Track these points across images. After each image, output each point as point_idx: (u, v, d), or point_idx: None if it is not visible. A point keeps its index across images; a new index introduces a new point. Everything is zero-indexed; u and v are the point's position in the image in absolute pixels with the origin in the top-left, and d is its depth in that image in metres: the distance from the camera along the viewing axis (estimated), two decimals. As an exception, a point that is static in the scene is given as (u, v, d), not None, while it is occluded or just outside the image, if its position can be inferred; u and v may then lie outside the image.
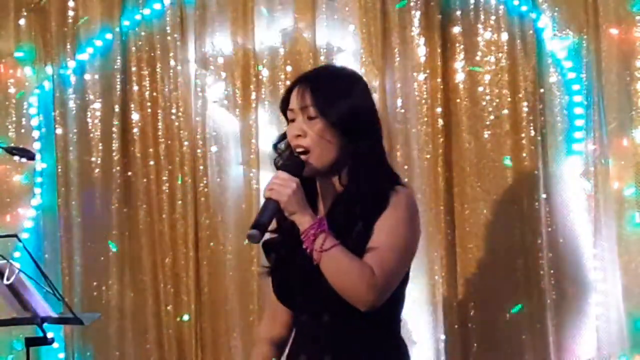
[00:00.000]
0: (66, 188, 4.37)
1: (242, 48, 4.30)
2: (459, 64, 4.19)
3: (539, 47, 4.13)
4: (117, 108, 4.37)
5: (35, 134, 4.42)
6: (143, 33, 4.38)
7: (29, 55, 4.45)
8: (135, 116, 4.39)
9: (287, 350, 2.67)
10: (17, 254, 4.10)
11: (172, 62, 4.36)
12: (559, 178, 4.12)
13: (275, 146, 2.59)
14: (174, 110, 4.36)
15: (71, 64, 4.40)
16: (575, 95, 4.11)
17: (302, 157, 2.47)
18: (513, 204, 4.12)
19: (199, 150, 4.32)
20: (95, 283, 4.38)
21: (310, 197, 2.50)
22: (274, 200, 2.40)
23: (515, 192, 4.12)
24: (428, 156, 4.16)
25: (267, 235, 2.51)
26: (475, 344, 4.12)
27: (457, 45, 4.19)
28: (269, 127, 4.24)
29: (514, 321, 4.09)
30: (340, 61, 4.21)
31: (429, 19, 4.18)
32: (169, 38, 4.36)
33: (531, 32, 4.12)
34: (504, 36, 4.14)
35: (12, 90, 4.45)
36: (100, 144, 4.39)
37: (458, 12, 4.19)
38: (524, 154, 4.12)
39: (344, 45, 4.25)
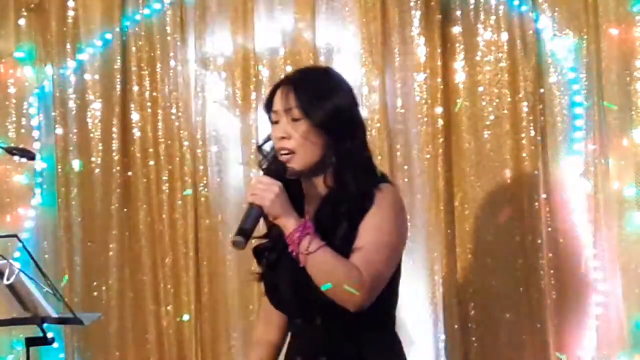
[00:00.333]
0: (66, 188, 4.37)
1: (242, 48, 4.30)
2: (459, 64, 4.19)
3: (539, 47, 4.13)
4: (117, 108, 4.37)
5: (35, 134, 4.42)
6: (143, 33, 4.38)
7: (29, 55, 4.45)
8: (135, 116, 4.39)
9: (284, 351, 2.67)
10: (17, 254, 4.10)
11: (172, 62, 4.35)
12: (559, 178, 4.12)
13: (259, 148, 2.59)
14: (174, 110, 4.36)
15: (71, 64, 4.40)
16: (575, 95, 4.11)
17: (287, 158, 2.46)
18: (513, 204, 4.12)
19: (199, 150, 4.32)
20: (95, 283, 4.38)
21: (296, 199, 2.50)
22: (257, 205, 2.40)
23: (515, 192, 4.13)
24: (428, 156, 4.16)
25: (258, 241, 2.54)
26: (475, 344, 4.13)
27: (457, 45, 4.19)
28: (269, 127, 4.23)
29: (514, 321, 4.09)
30: (340, 61, 4.21)
31: (429, 19, 4.18)
32: (169, 38, 4.36)
33: (531, 32, 4.12)
34: (504, 36, 4.15)
35: (12, 90, 4.44)
36: (100, 144, 4.39)
37: (458, 12, 4.19)
38: (524, 154, 4.12)
39: (344, 45, 4.25)
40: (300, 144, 2.45)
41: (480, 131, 4.17)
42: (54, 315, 3.37)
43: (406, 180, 4.17)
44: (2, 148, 3.54)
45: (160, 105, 4.36)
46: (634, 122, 4.07)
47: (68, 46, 4.40)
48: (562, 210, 4.11)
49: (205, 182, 4.32)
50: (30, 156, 3.53)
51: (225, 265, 4.29)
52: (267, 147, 2.57)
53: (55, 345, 3.91)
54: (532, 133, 4.11)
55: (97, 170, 4.39)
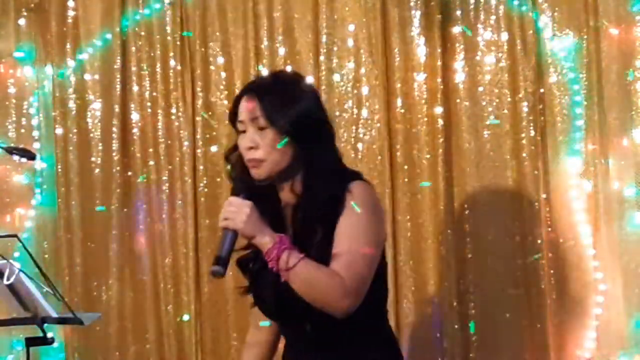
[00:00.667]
0: (66, 188, 4.37)
1: (242, 48, 4.30)
2: (459, 64, 4.19)
3: (539, 47, 4.13)
4: (117, 108, 4.37)
5: (35, 134, 4.42)
6: (143, 33, 4.38)
7: (29, 55, 4.45)
8: (135, 116, 4.38)
9: (282, 352, 2.69)
10: (17, 254, 4.10)
11: (172, 62, 4.35)
12: (559, 178, 4.12)
13: (227, 158, 2.58)
14: (174, 110, 4.36)
15: (71, 64, 4.40)
16: (575, 95, 4.11)
17: (255, 169, 2.46)
18: (513, 204, 4.12)
19: (198, 150, 4.32)
20: (95, 283, 4.38)
21: (274, 204, 2.51)
22: (231, 229, 2.40)
23: (515, 192, 4.12)
24: (428, 156, 4.16)
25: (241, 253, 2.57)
26: (475, 344, 4.12)
27: (457, 45, 4.19)
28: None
29: (514, 321, 4.09)
30: (340, 61, 4.22)
31: (429, 19, 4.18)
32: (169, 38, 4.36)
33: (531, 32, 4.12)
34: (504, 36, 4.15)
35: (12, 90, 4.44)
36: (100, 144, 4.39)
37: (458, 12, 4.18)
38: (524, 154, 4.12)
39: (344, 45, 4.25)
40: (268, 153, 2.45)
41: (480, 131, 4.17)
42: (54, 315, 3.37)
43: (406, 180, 4.17)
44: (2, 148, 3.54)
45: (160, 105, 4.36)
46: (634, 122, 4.07)
47: (68, 46, 4.40)
48: (562, 210, 4.11)
49: (205, 182, 4.32)
50: (30, 156, 3.52)
51: (225, 265, 4.28)
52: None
53: (55, 345, 3.91)
54: (532, 133, 4.11)
55: (97, 170, 4.39)
